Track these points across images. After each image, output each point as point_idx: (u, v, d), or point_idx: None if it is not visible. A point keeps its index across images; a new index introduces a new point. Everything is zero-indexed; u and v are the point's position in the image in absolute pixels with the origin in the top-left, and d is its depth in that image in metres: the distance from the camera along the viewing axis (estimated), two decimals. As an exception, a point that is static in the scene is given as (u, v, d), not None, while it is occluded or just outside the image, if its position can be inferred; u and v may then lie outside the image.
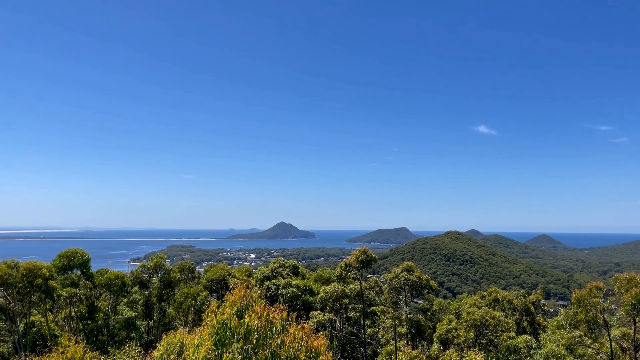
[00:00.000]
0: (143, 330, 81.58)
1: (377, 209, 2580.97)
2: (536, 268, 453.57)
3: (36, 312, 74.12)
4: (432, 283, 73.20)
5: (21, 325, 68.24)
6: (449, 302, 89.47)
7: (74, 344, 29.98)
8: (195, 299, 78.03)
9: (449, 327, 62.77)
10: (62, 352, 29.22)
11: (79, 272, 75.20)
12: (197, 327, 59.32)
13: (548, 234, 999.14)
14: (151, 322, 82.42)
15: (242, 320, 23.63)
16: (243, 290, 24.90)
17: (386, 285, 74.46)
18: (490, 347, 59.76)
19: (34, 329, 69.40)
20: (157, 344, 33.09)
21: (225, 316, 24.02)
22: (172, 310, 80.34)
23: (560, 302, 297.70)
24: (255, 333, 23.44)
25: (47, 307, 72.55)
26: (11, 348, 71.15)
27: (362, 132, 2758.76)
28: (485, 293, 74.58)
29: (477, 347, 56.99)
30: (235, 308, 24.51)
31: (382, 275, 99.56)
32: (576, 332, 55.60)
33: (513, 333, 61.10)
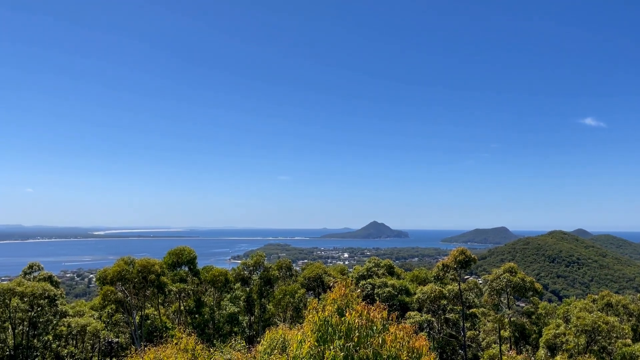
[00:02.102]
0: (245, 325, 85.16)
1: (473, 207, 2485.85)
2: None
3: (149, 305, 79.93)
4: (537, 285, 69.55)
5: (137, 317, 74.00)
6: (555, 306, 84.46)
7: (186, 336, 32.00)
8: (293, 296, 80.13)
9: (557, 331, 59.28)
10: (176, 343, 31.34)
11: (186, 269, 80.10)
12: (295, 324, 60.90)
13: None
14: (252, 318, 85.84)
15: (343, 318, 23.88)
16: (343, 288, 25.16)
17: (486, 287, 71.80)
18: (604, 355, 55.65)
19: (148, 321, 74.94)
20: (260, 338, 34.57)
21: (326, 313, 24.37)
22: (271, 307, 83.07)
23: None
24: (357, 331, 23.60)
25: (159, 301, 78.07)
26: (128, 338, 77.42)
27: (456, 129, 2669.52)
28: (596, 297, 69.55)
29: (588, 354, 53.33)
30: (335, 306, 24.79)
31: (482, 277, 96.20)
32: None
33: (629, 340, 56.49)
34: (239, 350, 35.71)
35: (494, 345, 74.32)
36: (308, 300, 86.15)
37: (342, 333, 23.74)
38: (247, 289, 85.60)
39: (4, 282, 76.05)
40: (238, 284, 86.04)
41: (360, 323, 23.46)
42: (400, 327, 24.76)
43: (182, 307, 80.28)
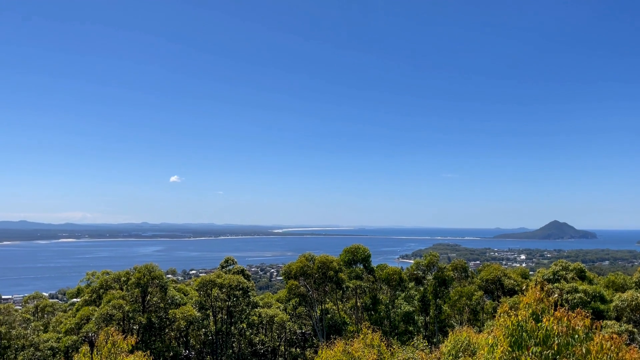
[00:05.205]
0: (420, 325, 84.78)
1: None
2: None
3: (328, 300, 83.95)
4: None
5: (318, 311, 78.28)
6: None
7: (372, 332, 33.00)
8: (470, 298, 77.61)
9: None
10: (362, 338, 32.52)
11: (361, 266, 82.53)
12: (473, 327, 58.77)
13: None
14: (427, 318, 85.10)
15: (540, 324, 22.54)
16: (538, 292, 23.71)
17: None
18: None
19: (328, 315, 78.79)
20: (436, 339, 34.19)
21: (519, 318, 23.23)
22: (447, 308, 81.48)
23: None
24: (556, 338, 22.10)
25: (337, 296, 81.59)
26: (310, 330, 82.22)
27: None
28: None
29: None
30: (530, 310, 23.52)
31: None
32: None
33: None
34: (422, 350, 35.71)
35: None
36: (486, 303, 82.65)
37: (538, 339, 22.42)
38: (422, 288, 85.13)
39: (203, 274, 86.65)
40: (412, 283, 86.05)
41: (560, 330, 21.92)
42: (607, 336, 22.58)
43: (358, 304, 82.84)
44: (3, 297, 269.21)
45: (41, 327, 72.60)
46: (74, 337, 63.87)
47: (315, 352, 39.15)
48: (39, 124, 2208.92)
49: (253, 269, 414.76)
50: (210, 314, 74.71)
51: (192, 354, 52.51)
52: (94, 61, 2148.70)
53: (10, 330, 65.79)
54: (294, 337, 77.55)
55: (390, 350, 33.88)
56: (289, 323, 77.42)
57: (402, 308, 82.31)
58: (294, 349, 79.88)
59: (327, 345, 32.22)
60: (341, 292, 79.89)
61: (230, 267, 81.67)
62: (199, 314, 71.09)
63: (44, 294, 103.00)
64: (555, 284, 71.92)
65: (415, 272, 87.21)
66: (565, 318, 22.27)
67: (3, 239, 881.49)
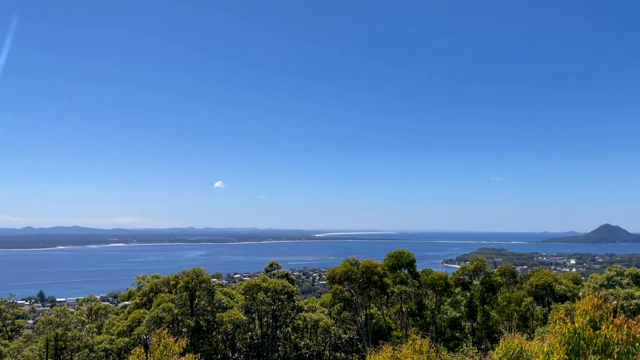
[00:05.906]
0: (467, 331, 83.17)
1: None
2: None
3: (373, 305, 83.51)
4: None
5: (362, 316, 77.99)
6: None
7: (421, 339, 32.61)
8: (519, 304, 75.71)
9: None
10: (411, 344, 32.19)
11: (406, 271, 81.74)
12: (522, 334, 57.28)
13: None
14: (475, 324, 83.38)
15: (598, 332, 21.83)
16: (596, 299, 22.96)
17: None
18: None
19: (373, 321, 78.36)
20: (484, 346, 33.44)
21: (576, 325, 22.56)
22: (495, 314, 79.67)
23: None
24: (616, 346, 21.35)
25: (382, 301, 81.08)
26: (354, 335, 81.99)
27: None
28: None
29: None
30: (587, 317, 22.81)
31: None
32: None
33: None
34: (471, 357, 35.08)
35: None
36: (536, 309, 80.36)
37: (597, 347, 21.70)
38: (468, 294, 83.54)
39: (247, 278, 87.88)
40: (458, 289, 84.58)
41: (620, 338, 21.16)
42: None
43: (403, 309, 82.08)
44: (58, 299, 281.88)
45: (95, 329, 75.21)
46: (126, 339, 65.84)
47: (362, 358, 39.19)
48: (91, 133, 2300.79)
49: (295, 273, 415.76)
50: (256, 317, 75.54)
51: (239, 357, 53.39)
52: (144, 70, 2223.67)
53: (67, 332, 68.51)
54: (339, 342, 77.45)
55: (439, 356, 33.39)
56: (333, 328, 77.39)
57: (449, 314, 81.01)
58: (338, 354, 79.76)
59: (374, 351, 32.06)
60: (386, 297, 79.38)
61: (275, 271, 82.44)
62: (245, 317, 72.00)
63: (97, 296, 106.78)
64: (610, 290, 69.19)
65: (461, 277, 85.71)
66: (625, 325, 21.51)
67: (57, 244, 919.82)
